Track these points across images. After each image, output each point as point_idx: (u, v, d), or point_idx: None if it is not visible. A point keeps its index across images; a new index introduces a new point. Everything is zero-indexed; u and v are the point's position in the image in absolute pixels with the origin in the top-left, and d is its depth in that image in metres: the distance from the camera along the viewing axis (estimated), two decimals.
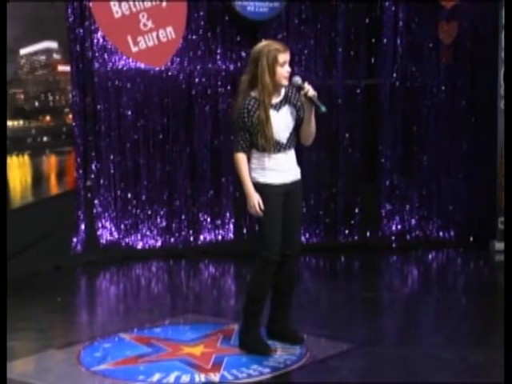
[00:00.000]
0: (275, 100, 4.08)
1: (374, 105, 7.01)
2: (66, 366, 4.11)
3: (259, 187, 4.07)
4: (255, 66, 4.02)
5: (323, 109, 3.95)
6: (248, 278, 4.33)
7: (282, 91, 4.11)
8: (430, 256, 6.80)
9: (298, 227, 4.30)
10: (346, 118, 6.97)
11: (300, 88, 4.04)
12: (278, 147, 4.07)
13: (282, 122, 4.06)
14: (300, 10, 6.82)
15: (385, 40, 6.89)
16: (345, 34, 6.88)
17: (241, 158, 4.07)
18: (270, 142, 4.02)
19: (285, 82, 4.05)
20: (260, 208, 4.03)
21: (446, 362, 4.05)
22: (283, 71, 4.03)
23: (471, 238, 6.99)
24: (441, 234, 7.10)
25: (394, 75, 6.95)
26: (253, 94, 4.04)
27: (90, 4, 6.35)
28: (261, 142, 4.02)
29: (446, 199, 7.06)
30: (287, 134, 4.10)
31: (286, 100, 4.11)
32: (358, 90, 6.97)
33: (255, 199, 4.04)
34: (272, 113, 4.04)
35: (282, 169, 4.10)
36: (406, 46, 6.93)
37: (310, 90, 4.01)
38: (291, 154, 4.15)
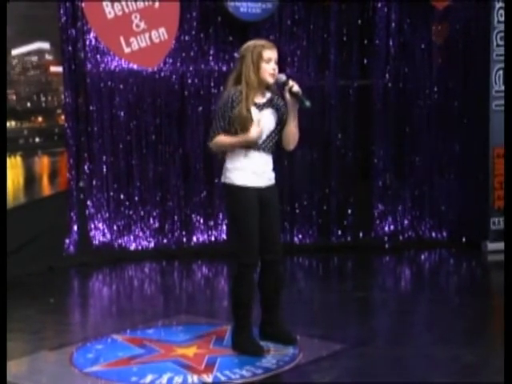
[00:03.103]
0: (260, 100, 4.08)
1: (366, 105, 7.02)
2: (59, 367, 4.10)
3: (235, 189, 4.04)
4: (241, 63, 4.04)
5: (308, 104, 3.94)
6: (231, 283, 4.29)
7: (268, 95, 4.11)
8: (422, 256, 6.82)
9: (278, 231, 4.24)
10: (338, 119, 6.98)
11: (284, 84, 4.03)
12: (253, 145, 4.05)
13: (262, 122, 4.05)
14: (292, 10, 6.83)
15: (377, 41, 6.90)
16: (337, 34, 6.89)
17: (218, 137, 4.00)
18: None
19: (270, 79, 4.04)
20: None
21: (439, 362, 4.05)
22: (268, 68, 4.02)
23: (463, 239, 7.00)
24: (433, 234, 7.12)
25: (387, 76, 6.97)
26: (239, 87, 4.04)
27: (83, 4, 6.33)
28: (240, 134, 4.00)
29: (439, 200, 7.08)
30: (264, 136, 4.07)
31: (270, 103, 4.10)
32: (351, 91, 6.98)
33: (252, 130, 3.95)
34: (254, 111, 4.03)
35: (257, 170, 4.06)
36: (399, 47, 6.94)
37: (294, 86, 4.00)
38: (267, 158, 4.11)
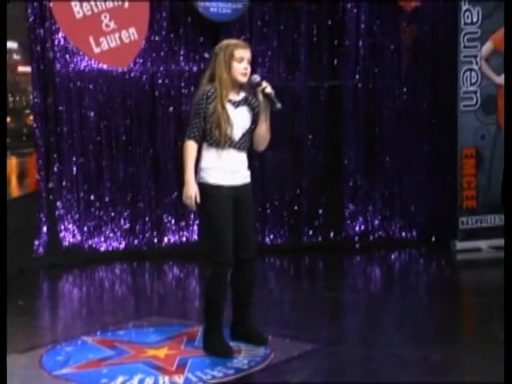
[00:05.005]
0: (234, 98, 4.11)
1: (337, 106, 7.05)
2: (28, 370, 4.06)
3: (208, 188, 4.07)
4: (214, 61, 4.09)
5: (279, 105, 4.00)
6: (205, 282, 4.31)
7: (242, 94, 4.14)
8: (392, 256, 6.87)
9: (252, 230, 4.29)
10: (309, 119, 7.00)
11: (258, 85, 4.06)
12: (230, 142, 4.08)
13: (237, 119, 4.08)
14: (263, 11, 6.83)
15: (347, 42, 6.94)
16: (307, 35, 6.91)
17: (190, 145, 4.07)
18: (223, 135, 4.02)
19: (241, 79, 4.07)
20: (196, 201, 4.04)
21: (409, 362, 4.09)
22: (239, 67, 4.05)
23: (433, 238, 7.07)
24: (403, 234, 7.17)
25: (357, 77, 7.01)
26: (214, 84, 4.08)
27: (51, 4, 6.28)
28: (214, 133, 4.03)
29: (409, 200, 7.14)
30: (240, 134, 4.11)
31: (245, 101, 4.14)
32: (321, 92, 7.01)
33: (193, 191, 4.04)
34: (230, 108, 4.07)
35: (232, 169, 4.10)
36: (368, 48, 6.99)
37: (267, 87, 4.04)
38: (242, 156, 4.15)
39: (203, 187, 4.09)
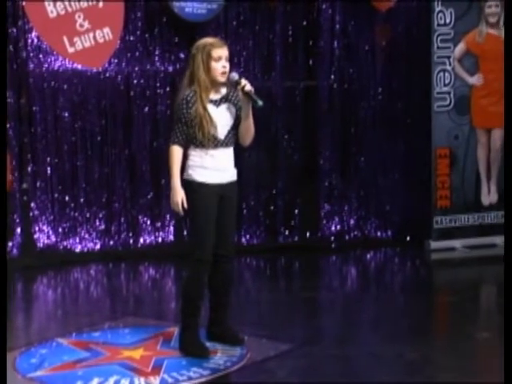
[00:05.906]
0: (215, 96, 4.11)
1: (312, 106, 7.08)
2: None
3: (195, 185, 4.08)
4: (192, 63, 4.08)
5: (260, 103, 4.00)
6: (183, 279, 4.32)
7: (224, 90, 4.14)
8: (368, 256, 6.90)
9: (233, 228, 4.32)
10: (285, 120, 7.01)
11: (237, 83, 4.06)
12: (216, 142, 4.08)
13: (220, 118, 4.09)
14: (238, 11, 6.83)
15: (322, 42, 6.97)
16: (283, 35, 6.93)
17: (175, 150, 4.08)
18: (207, 136, 4.03)
19: (221, 78, 4.07)
20: (183, 206, 4.04)
21: (384, 360, 4.12)
22: (218, 66, 4.05)
23: (408, 238, 7.12)
24: (379, 233, 7.21)
25: (332, 77, 7.03)
26: (193, 87, 4.07)
27: (24, 3, 6.22)
28: (198, 135, 4.04)
29: (384, 199, 7.18)
30: (225, 131, 4.11)
31: (226, 98, 4.15)
32: (297, 92, 7.03)
33: (180, 196, 4.05)
34: (211, 108, 4.07)
35: (219, 167, 4.11)
36: (343, 49, 7.02)
37: (246, 85, 4.04)
38: (229, 153, 4.16)
39: (189, 184, 4.10)
